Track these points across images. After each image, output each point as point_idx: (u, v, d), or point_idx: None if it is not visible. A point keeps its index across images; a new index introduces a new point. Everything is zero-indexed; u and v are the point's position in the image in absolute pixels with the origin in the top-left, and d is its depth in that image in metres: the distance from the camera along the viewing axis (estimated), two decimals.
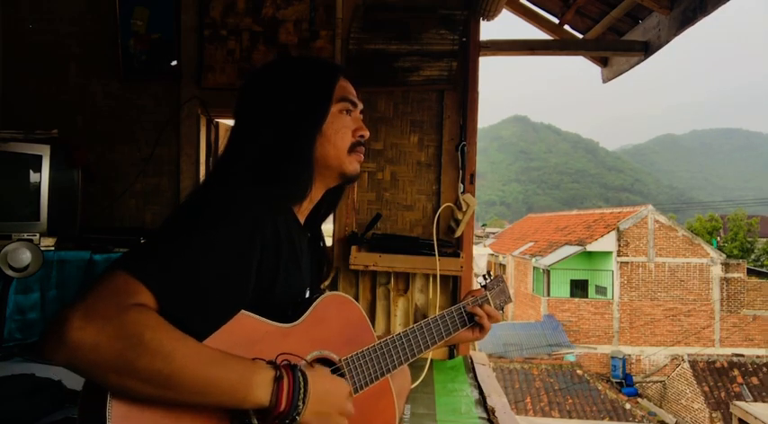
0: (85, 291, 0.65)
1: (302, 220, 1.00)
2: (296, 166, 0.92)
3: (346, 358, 0.91)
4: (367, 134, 1.03)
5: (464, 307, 1.18)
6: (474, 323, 1.19)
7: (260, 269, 0.80)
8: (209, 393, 0.66)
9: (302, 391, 0.72)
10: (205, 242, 0.74)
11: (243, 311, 0.77)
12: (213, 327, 0.72)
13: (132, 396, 0.64)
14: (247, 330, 0.77)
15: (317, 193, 1.01)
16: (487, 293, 1.26)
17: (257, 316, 0.79)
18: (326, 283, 2.81)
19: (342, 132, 0.98)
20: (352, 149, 0.99)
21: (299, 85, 0.96)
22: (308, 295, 0.97)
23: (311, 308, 0.89)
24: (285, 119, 0.93)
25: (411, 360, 1.04)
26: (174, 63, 2.95)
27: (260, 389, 0.69)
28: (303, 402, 0.72)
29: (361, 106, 1.04)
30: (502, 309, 1.30)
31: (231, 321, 0.75)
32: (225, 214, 0.77)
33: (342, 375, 0.89)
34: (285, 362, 0.74)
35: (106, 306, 0.63)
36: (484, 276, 1.31)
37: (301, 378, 0.73)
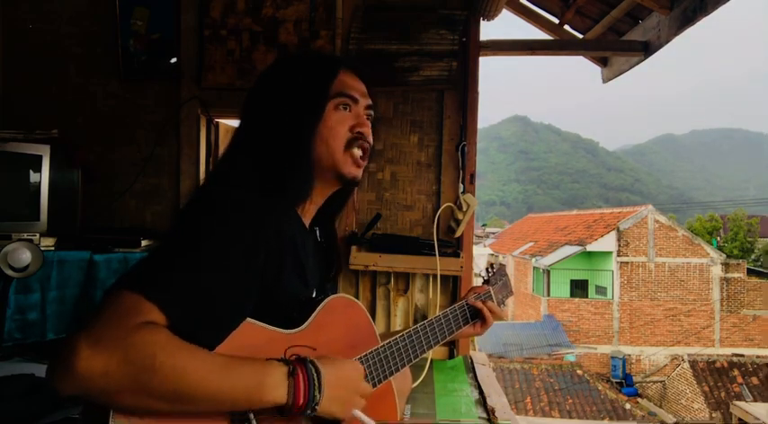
0: (91, 315, 0.64)
1: (307, 221, 0.98)
2: (291, 168, 0.89)
3: None
4: (366, 130, 0.95)
5: (467, 304, 1.17)
6: (476, 319, 1.19)
7: (263, 272, 0.79)
8: (225, 400, 0.67)
9: (316, 381, 0.73)
10: (208, 252, 0.73)
11: (246, 318, 0.77)
12: (224, 336, 0.72)
13: (148, 413, 0.64)
14: (250, 338, 0.77)
15: (319, 195, 0.98)
16: (490, 288, 1.24)
17: (260, 323, 0.79)
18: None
19: (335, 129, 0.92)
20: (348, 147, 0.93)
21: (292, 84, 0.94)
22: (314, 296, 0.95)
23: (315, 312, 0.88)
24: (280, 119, 0.91)
25: (414, 361, 1.03)
26: (174, 60, 2.95)
27: (276, 389, 0.70)
28: (320, 392, 0.73)
29: (365, 101, 0.97)
30: (504, 303, 1.29)
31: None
32: (225, 221, 0.76)
33: None
34: (295, 356, 0.75)
35: (113, 331, 0.62)
36: (487, 269, 1.29)
37: (314, 370, 0.74)
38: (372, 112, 0.99)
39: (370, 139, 0.97)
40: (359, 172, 0.97)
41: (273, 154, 0.89)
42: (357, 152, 0.95)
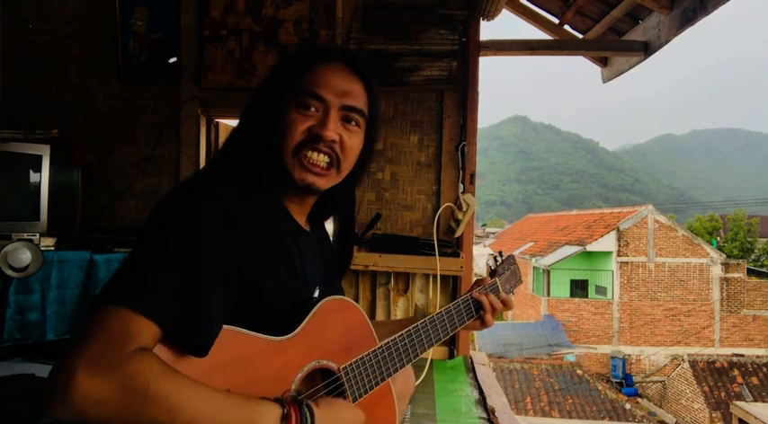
0: (82, 335, 0.63)
1: (301, 218, 0.96)
2: (260, 167, 0.86)
3: (345, 366, 0.89)
4: (327, 133, 0.84)
5: (471, 298, 1.14)
6: (482, 312, 1.15)
7: (240, 266, 0.77)
8: None
9: None
10: (189, 253, 0.71)
11: (234, 327, 0.75)
12: (216, 332, 0.72)
13: None
14: (239, 348, 0.75)
15: (295, 196, 0.93)
16: (497, 279, 1.20)
17: (248, 332, 0.77)
18: None
19: (287, 130, 0.85)
20: (299, 150, 0.85)
21: (265, 83, 0.92)
22: (316, 295, 0.94)
23: (310, 315, 0.86)
24: (250, 119, 0.90)
25: (414, 360, 1.01)
26: (174, 59, 2.95)
27: None
28: None
29: (340, 101, 0.87)
30: (512, 292, 1.25)
31: (222, 340, 0.73)
32: (196, 217, 0.74)
33: (341, 385, 0.87)
34: (291, 397, 0.75)
35: (109, 357, 0.61)
36: (495, 258, 1.24)
37: (308, 414, 0.74)
38: (354, 114, 0.89)
39: (345, 143, 0.88)
40: (313, 179, 0.86)
41: (244, 152, 0.88)
42: (313, 155, 0.85)
